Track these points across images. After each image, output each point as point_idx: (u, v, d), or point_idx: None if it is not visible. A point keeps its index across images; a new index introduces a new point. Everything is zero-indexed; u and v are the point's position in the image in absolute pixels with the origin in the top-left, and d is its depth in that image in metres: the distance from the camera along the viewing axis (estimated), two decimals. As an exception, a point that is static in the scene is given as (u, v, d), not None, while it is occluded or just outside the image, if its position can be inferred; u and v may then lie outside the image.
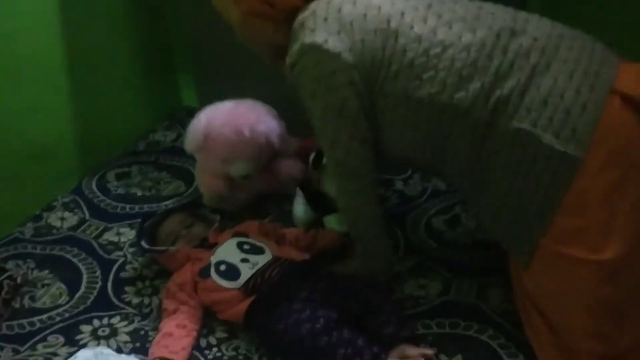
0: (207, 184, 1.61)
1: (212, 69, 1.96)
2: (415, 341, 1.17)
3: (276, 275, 1.24)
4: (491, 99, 1.09)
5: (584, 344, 1.11)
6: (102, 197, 1.75)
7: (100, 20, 1.85)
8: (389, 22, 1.15)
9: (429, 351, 1.16)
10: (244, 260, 1.29)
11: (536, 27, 1.14)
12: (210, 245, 1.36)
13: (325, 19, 1.16)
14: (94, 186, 1.80)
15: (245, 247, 1.33)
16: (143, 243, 1.40)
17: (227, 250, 1.32)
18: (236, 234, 1.37)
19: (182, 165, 1.88)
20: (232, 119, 1.55)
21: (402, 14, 1.16)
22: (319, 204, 1.53)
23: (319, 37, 1.15)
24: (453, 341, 1.20)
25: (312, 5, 1.20)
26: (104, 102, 1.89)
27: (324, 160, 1.42)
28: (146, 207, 1.70)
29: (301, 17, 1.20)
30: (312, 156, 1.49)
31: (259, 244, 1.34)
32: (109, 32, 1.89)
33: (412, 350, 1.14)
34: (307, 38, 1.16)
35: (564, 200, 1.07)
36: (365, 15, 1.16)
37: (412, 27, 1.14)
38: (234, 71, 1.88)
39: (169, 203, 1.71)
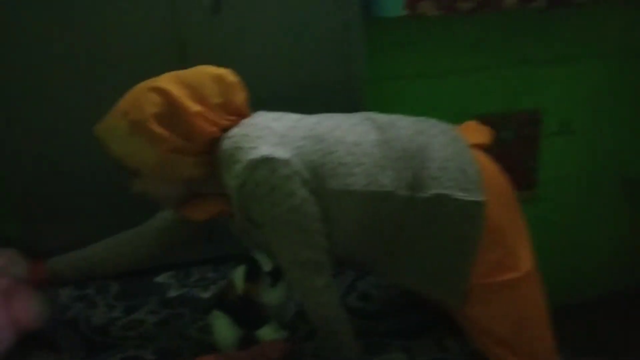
0: None
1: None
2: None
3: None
4: (406, 178, 1.29)
5: (546, 355, 1.35)
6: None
7: None
8: (312, 130, 1.30)
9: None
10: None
11: (399, 119, 1.40)
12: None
13: (260, 137, 1.25)
14: None
15: (228, 382, 1.19)
16: None
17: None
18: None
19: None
20: None
21: (318, 122, 1.33)
22: (246, 319, 1.44)
23: (264, 151, 1.22)
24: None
25: (237, 131, 1.27)
26: None
27: (266, 269, 1.38)
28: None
29: (229, 142, 1.25)
30: (240, 271, 1.41)
31: (237, 373, 1.21)
32: None
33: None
34: (253, 154, 1.21)
35: (480, 241, 1.30)
36: (293, 127, 1.30)
37: (331, 132, 1.31)
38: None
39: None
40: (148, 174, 1.27)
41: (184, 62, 1.57)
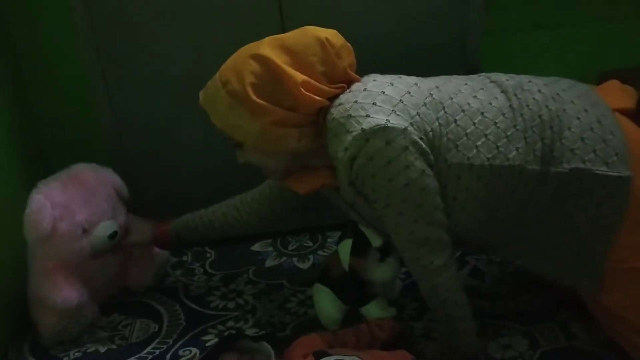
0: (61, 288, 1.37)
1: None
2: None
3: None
4: (537, 151, 1.14)
5: None
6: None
7: None
8: (431, 94, 1.17)
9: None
10: (351, 382, 1.07)
11: (528, 81, 1.22)
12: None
13: (374, 103, 1.12)
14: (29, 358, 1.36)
15: (339, 366, 1.11)
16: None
17: (325, 376, 1.08)
18: (317, 354, 1.13)
19: (133, 299, 1.53)
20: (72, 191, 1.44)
21: (437, 87, 1.19)
22: (351, 295, 1.36)
23: (379, 119, 1.10)
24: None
25: (346, 98, 1.15)
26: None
27: (375, 244, 1.27)
28: (126, 364, 1.33)
29: (338, 110, 1.14)
30: (345, 245, 1.32)
31: (347, 357, 1.13)
32: None
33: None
34: (365, 124, 1.09)
35: (625, 219, 1.13)
36: (408, 92, 1.16)
37: (451, 98, 1.17)
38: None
39: (149, 350, 1.36)
40: (252, 147, 1.19)
41: (282, 17, 1.48)
